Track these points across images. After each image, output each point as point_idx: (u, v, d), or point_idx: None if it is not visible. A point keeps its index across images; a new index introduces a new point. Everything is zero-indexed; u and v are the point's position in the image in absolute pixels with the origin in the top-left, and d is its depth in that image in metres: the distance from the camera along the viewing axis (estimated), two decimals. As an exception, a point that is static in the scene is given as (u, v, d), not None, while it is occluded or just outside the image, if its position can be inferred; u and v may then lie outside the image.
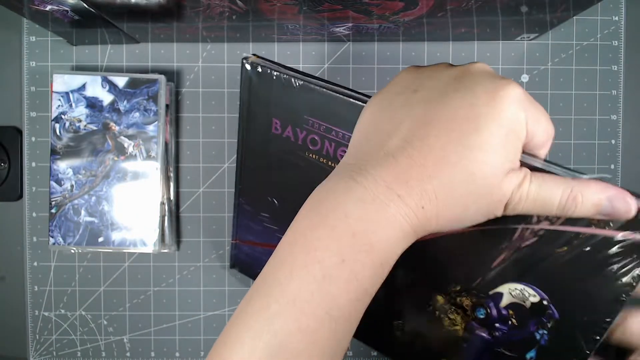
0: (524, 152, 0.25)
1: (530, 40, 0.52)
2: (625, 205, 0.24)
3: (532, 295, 0.28)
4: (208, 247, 0.52)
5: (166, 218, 0.50)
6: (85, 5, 0.39)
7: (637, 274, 0.25)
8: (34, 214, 0.51)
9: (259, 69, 0.37)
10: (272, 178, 0.40)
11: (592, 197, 0.24)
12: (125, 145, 0.48)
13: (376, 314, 0.33)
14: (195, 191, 0.52)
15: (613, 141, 0.52)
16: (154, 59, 0.51)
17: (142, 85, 0.48)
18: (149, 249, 0.48)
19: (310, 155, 0.37)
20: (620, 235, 0.25)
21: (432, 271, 0.32)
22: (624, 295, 0.25)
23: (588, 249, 0.26)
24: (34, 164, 0.51)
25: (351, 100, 0.33)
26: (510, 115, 0.23)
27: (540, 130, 0.25)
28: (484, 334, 0.30)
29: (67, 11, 0.41)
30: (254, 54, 0.38)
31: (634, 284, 0.25)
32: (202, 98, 0.52)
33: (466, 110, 0.23)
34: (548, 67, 0.52)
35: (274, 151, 0.39)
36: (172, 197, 0.51)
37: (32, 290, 0.51)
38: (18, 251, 0.51)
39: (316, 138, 0.36)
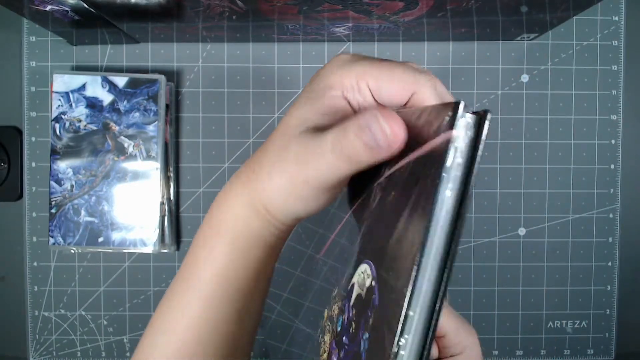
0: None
1: (530, 40, 0.52)
2: (378, 129, 0.18)
3: (368, 277, 0.20)
4: (208, 247, 0.52)
5: (166, 218, 0.50)
6: (85, 5, 0.39)
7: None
8: (34, 214, 0.51)
9: None
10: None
11: (352, 125, 0.20)
12: (125, 145, 0.48)
13: None
14: (195, 191, 0.52)
15: (613, 141, 0.52)
16: (154, 59, 0.51)
17: (142, 85, 0.48)
18: (149, 249, 0.48)
19: None
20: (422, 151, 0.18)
21: (325, 282, 0.28)
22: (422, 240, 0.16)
23: (403, 182, 0.19)
24: (34, 164, 0.51)
25: None
26: (318, 79, 0.24)
27: (384, 81, 0.22)
28: None
29: (67, 11, 0.41)
30: None
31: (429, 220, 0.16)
32: (202, 98, 0.52)
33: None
34: (548, 67, 0.52)
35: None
36: (172, 197, 0.51)
37: (32, 290, 0.51)
38: (18, 251, 0.51)
39: None
